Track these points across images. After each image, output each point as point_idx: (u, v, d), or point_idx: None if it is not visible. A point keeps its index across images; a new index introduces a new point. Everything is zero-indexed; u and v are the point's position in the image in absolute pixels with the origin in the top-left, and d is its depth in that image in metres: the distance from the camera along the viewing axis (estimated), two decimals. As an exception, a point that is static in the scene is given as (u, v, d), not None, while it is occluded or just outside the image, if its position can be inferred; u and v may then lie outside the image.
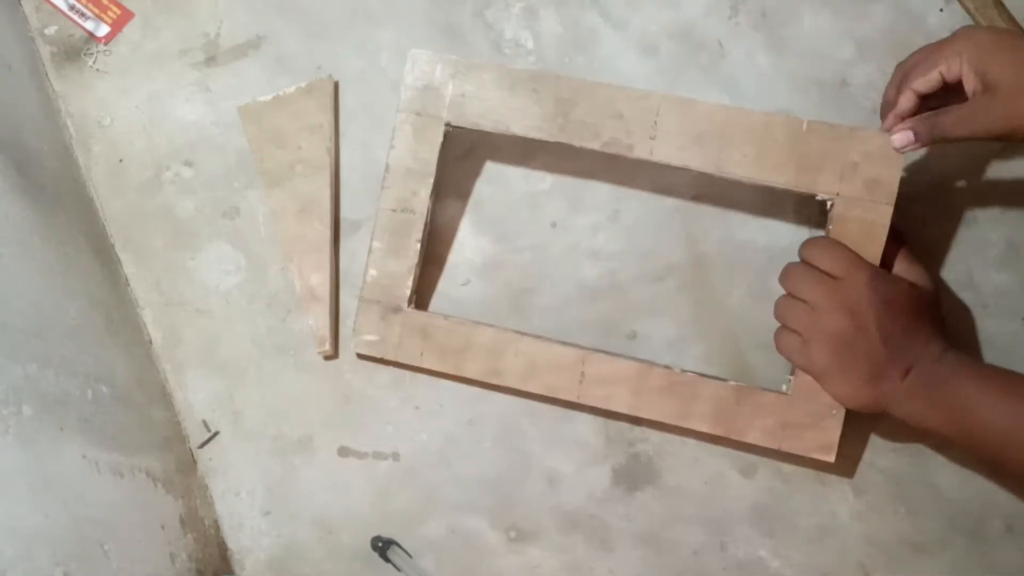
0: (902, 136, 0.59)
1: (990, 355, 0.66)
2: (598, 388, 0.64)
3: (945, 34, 0.67)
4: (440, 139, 0.65)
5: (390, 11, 0.70)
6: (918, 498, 0.66)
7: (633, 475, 0.68)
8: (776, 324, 0.62)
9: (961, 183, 0.67)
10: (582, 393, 0.64)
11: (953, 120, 0.57)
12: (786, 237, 0.63)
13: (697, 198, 0.68)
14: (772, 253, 0.67)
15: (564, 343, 0.65)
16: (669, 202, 0.68)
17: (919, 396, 0.57)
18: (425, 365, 0.66)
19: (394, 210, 0.65)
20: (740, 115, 0.62)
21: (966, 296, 0.67)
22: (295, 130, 0.69)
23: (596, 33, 0.69)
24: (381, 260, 0.66)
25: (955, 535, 0.66)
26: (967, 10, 0.66)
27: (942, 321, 0.61)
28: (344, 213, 0.70)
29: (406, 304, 0.65)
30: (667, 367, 0.64)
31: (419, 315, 0.66)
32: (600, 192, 0.69)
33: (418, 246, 0.65)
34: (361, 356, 0.68)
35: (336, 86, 0.70)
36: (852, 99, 0.68)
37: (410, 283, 0.65)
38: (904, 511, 0.67)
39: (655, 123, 0.63)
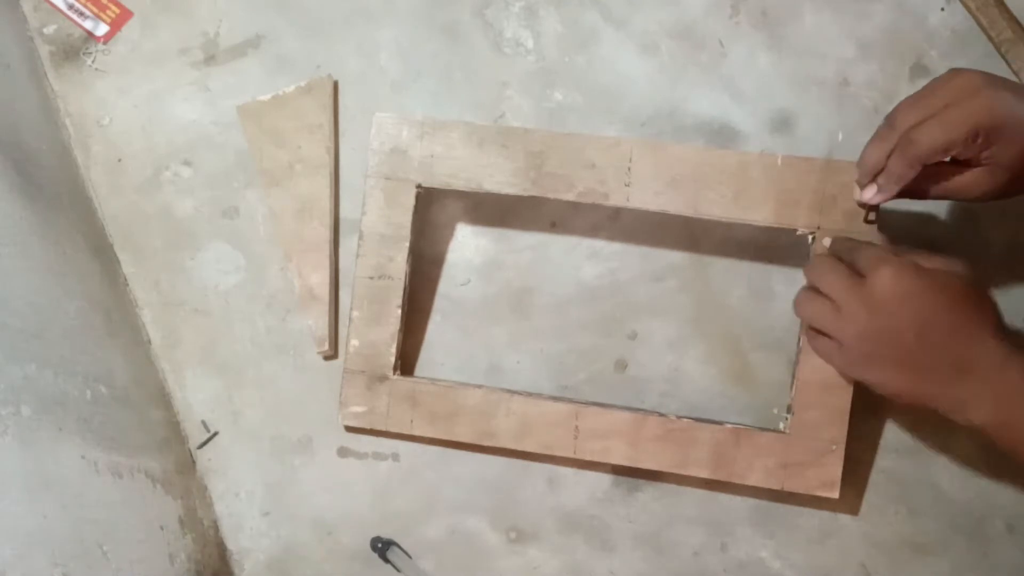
0: (871, 191, 0.57)
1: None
2: (594, 442, 0.64)
3: (946, 34, 0.67)
4: (412, 202, 0.64)
5: (389, 10, 0.70)
6: (919, 498, 0.66)
7: (633, 475, 0.67)
8: (773, 325, 0.60)
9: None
10: (578, 448, 0.64)
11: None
12: (787, 237, 0.62)
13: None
14: (773, 253, 0.67)
15: (555, 398, 0.64)
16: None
17: (988, 407, 0.53)
18: (416, 432, 0.65)
19: (371, 277, 0.64)
20: (714, 155, 0.62)
21: (967, 296, 0.66)
22: (294, 130, 0.69)
23: (596, 32, 0.69)
24: (362, 330, 0.65)
25: (956, 535, 0.66)
26: (968, 9, 0.66)
27: (994, 310, 0.55)
28: (344, 213, 0.70)
29: (392, 372, 0.65)
30: (661, 415, 0.63)
31: (406, 382, 0.65)
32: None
33: (399, 312, 0.64)
34: (349, 429, 0.68)
35: (336, 85, 0.70)
36: (853, 98, 0.67)
37: (394, 350, 0.65)
38: (905, 512, 0.66)
39: (629, 169, 0.62)
